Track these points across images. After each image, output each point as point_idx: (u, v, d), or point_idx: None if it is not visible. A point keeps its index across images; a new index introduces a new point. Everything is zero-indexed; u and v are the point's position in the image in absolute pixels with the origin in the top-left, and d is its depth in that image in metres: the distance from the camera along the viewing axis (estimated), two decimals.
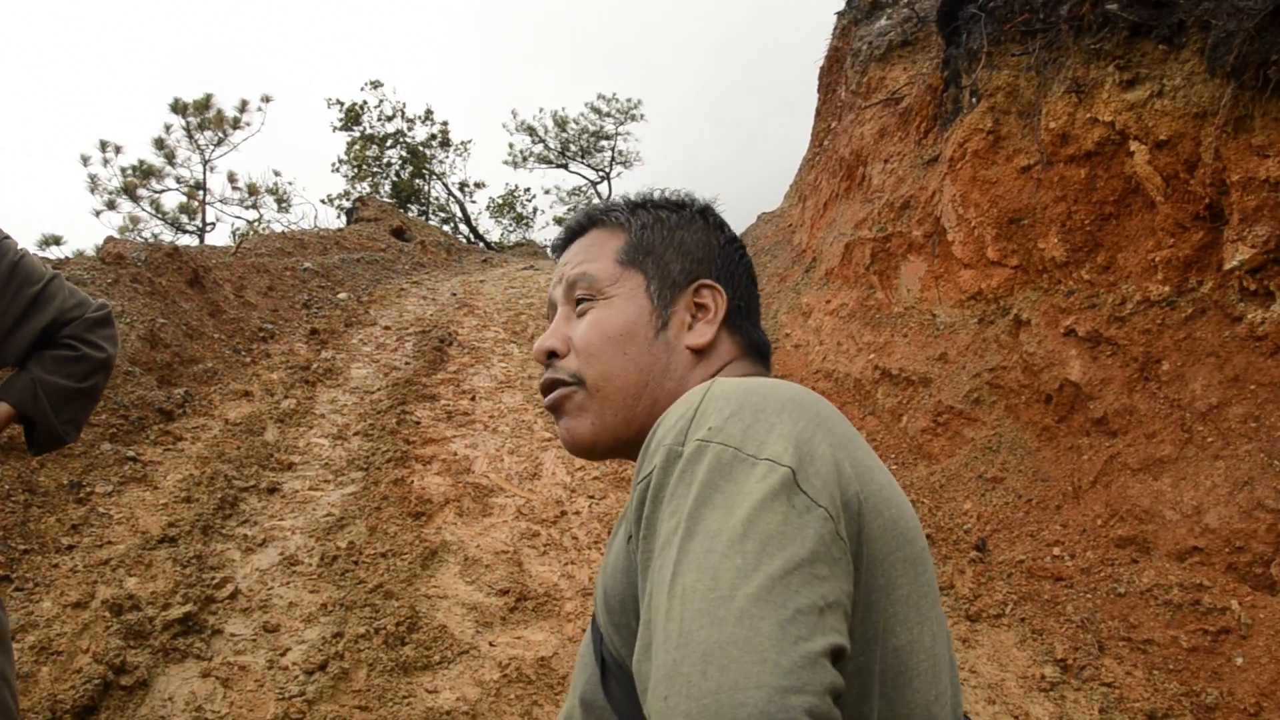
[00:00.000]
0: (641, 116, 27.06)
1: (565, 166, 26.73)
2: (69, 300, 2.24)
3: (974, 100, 5.43)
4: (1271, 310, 3.63)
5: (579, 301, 1.13)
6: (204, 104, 14.10)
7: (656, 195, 1.22)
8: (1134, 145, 4.25)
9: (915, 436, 5.21)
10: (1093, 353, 4.36)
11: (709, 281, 1.13)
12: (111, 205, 14.00)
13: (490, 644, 3.57)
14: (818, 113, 10.28)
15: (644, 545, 0.81)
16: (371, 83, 23.33)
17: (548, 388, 1.13)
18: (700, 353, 1.10)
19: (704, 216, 1.20)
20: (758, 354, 1.15)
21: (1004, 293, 5.12)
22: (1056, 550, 3.96)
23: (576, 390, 1.09)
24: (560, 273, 1.17)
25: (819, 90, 10.22)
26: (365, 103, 22.28)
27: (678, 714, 0.64)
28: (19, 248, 2.21)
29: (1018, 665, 3.54)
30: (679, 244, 1.15)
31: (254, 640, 3.47)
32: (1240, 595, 3.32)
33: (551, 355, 1.13)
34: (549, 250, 1.45)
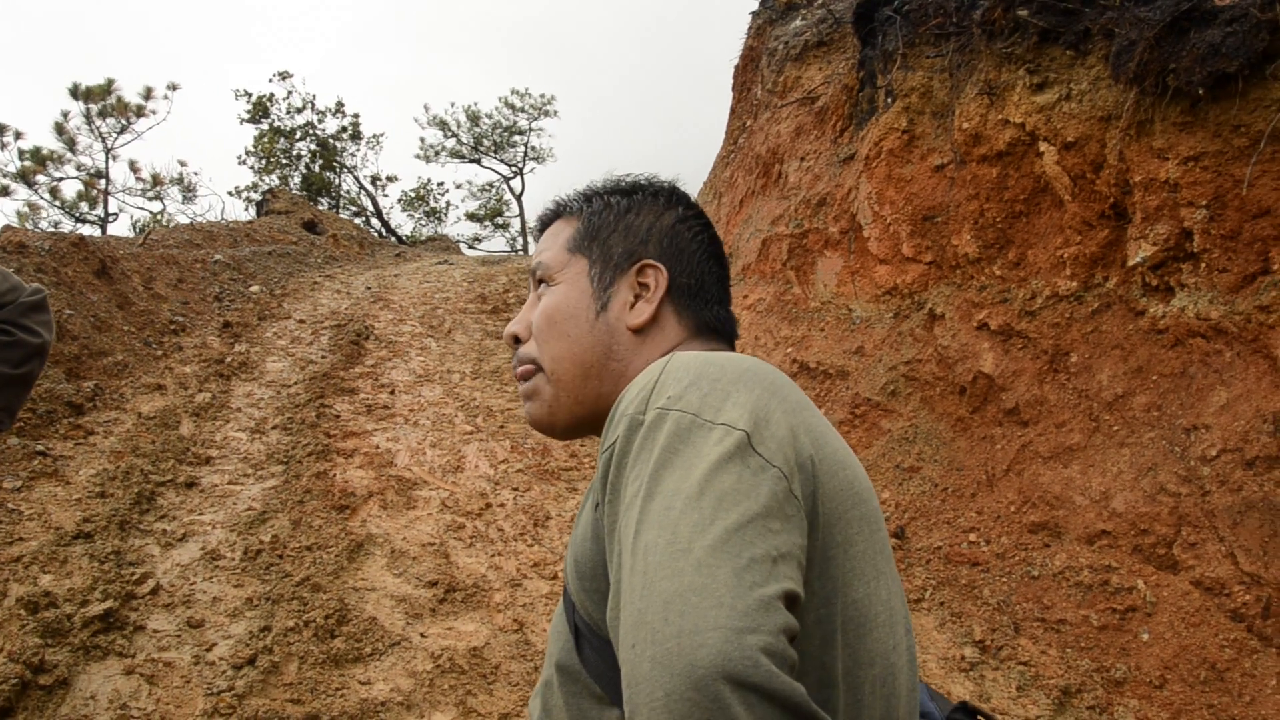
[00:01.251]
0: (555, 113, 27.01)
1: (478, 162, 26.52)
2: (2, 285, 2.18)
3: (889, 100, 5.58)
4: (1172, 305, 3.82)
5: (539, 287, 1.20)
6: (105, 89, 13.60)
7: (618, 182, 1.25)
8: (1043, 146, 4.42)
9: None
10: (1004, 345, 4.53)
11: (650, 261, 1.16)
12: (5, 191, 13.44)
13: (421, 635, 3.55)
14: (732, 110, 10.39)
15: (609, 509, 0.86)
16: (280, 74, 22.81)
17: (516, 374, 1.18)
18: (641, 332, 1.13)
19: (657, 198, 1.23)
20: (712, 333, 1.18)
21: (919, 288, 5.27)
22: (972, 536, 4.11)
23: (539, 376, 1.15)
24: (530, 262, 1.25)
25: (734, 89, 10.34)
26: (274, 94, 21.82)
27: (644, 659, 0.68)
28: None
29: (938, 647, 3.66)
30: (625, 227, 1.18)
31: (178, 636, 3.40)
32: (1145, 575, 3.49)
33: (517, 340, 1.19)
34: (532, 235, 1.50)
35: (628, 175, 1.26)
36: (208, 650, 3.33)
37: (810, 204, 6.40)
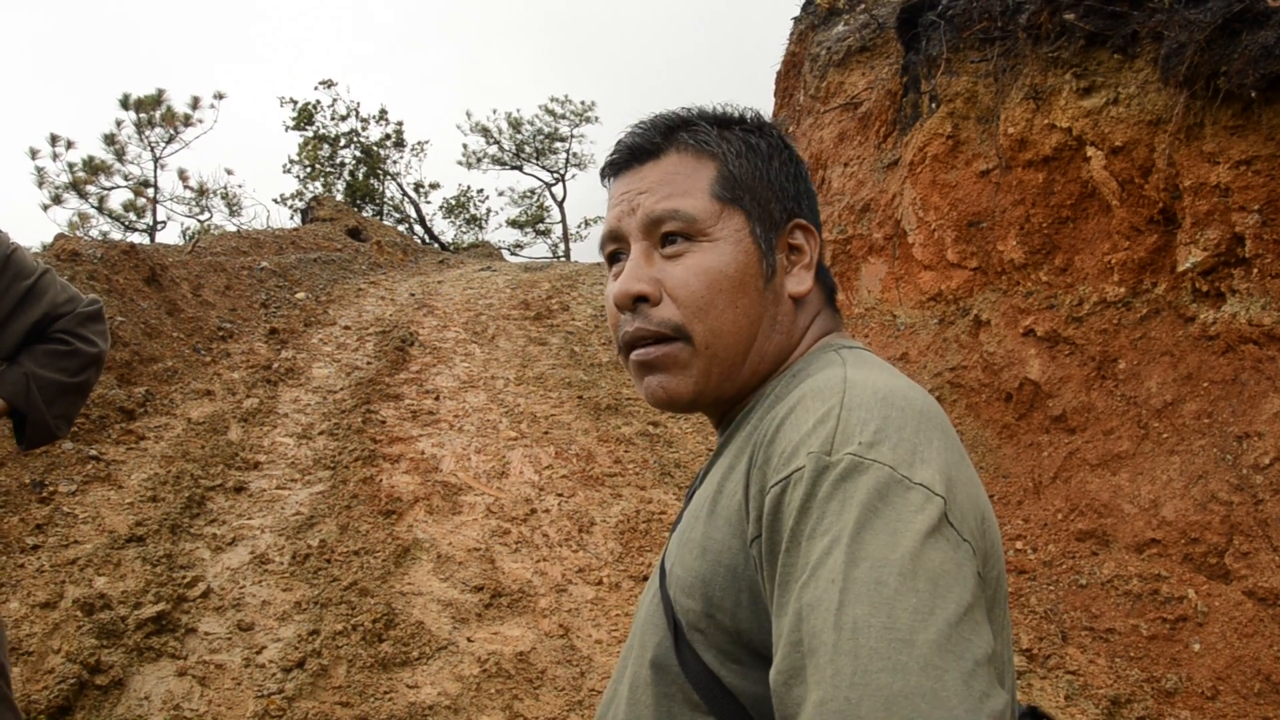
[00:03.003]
0: (596, 119, 27.09)
1: (519, 168, 26.65)
2: (61, 295, 2.23)
3: (933, 105, 5.55)
4: (1222, 310, 3.78)
5: (666, 239, 0.99)
6: (155, 100, 13.90)
7: (731, 112, 1.07)
8: (1090, 151, 4.38)
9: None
10: (1051, 352, 4.49)
11: (803, 222, 1.04)
12: (58, 200, 13.76)
13: (468, 640, 3.59)
14: (775, 116, 10.39)
15: (785, 556, 0.77)
16: (324, 82, 23.11)
17: (637, 340, 0.99)
18: (799, 301, 1.03)
19: (785, 145, 1.08)
20: (832, 298, 1.09)
21: (964, 294, 5.24)
22: (1019, 544, 4.08)
23: (680, 346, 0.97)
24: (634, 202, 1.01)
25: (776, 95, 10.33)
26: (318, 102, 22.08)
27: None
28: (10, 241, 2.20)
29: None
30: (773, 178, 1.03)
31: (229, 639, 3.46)
32: (1196, 584, 3.45)
33: (639, 300, 0.99)
34: (600, 171, 1.24)
35: (724, 104, 1.08)
36: (258, 653, 3.39)
37: (854, 210, 6.39)
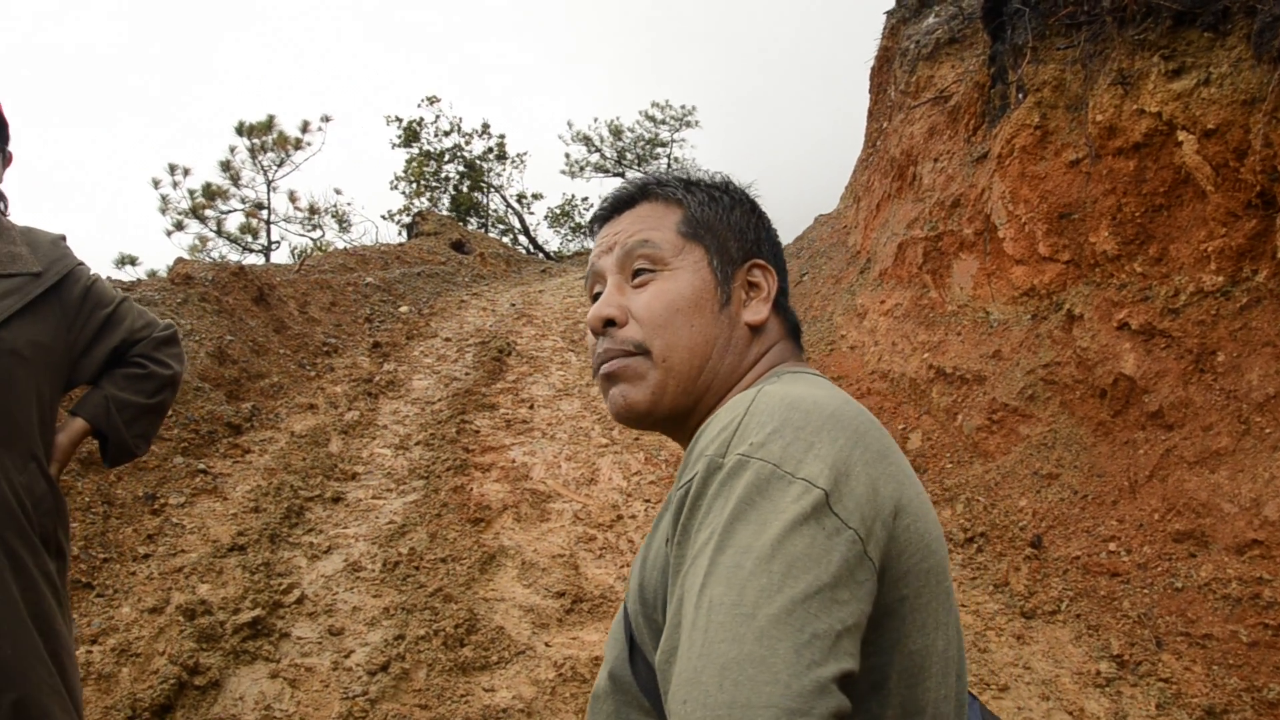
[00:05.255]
0: (696, 123, 27.13)
1: (622, 175, 26.88)
2: (138, 321, 2.37)
3: (1020, 96, 5.40)
4: None
5: (637, 273, 1.12)
6: (266, 126, 14.53)
7: (701, 176, 1.22)
8: (1182, 135, 4.21)
9: (971, 434, 5.19)
10: (1147, 345, 4.32)
11: (761, 261, 1.16)
12: (180, 226, 14.50)
13: (546, 644, 3.65)
14: (870, 113, 10.25)
15: (678, 550, 0.85)
16: (428, 99, 23.73)
17: (605, 357, 1.11)
18: (755, 330, 1.13)
19: (748, 201, 1.22)
20: (796, 334, 1.19)
21: (1056, 288, 5.08)
22: (1112, 546, 3.93)
23: (639, 359, 1.09)
24: (611, 241, 1.16)
25: (870, 90, 10.19)
26: (422, 119, 22.69)
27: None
28: (91, 273, 2.35)
29: (1073, 661, 3.52)
30: (733, 224, 1.16)
31: (319, 643, 3.60)
32: None
33: (608, 324, 1.12)
34: (590, 221, 1.41)
35: (696, 170, 1.24)
36: (346, 657, 3.51)
37: (944, 206, 6.26)
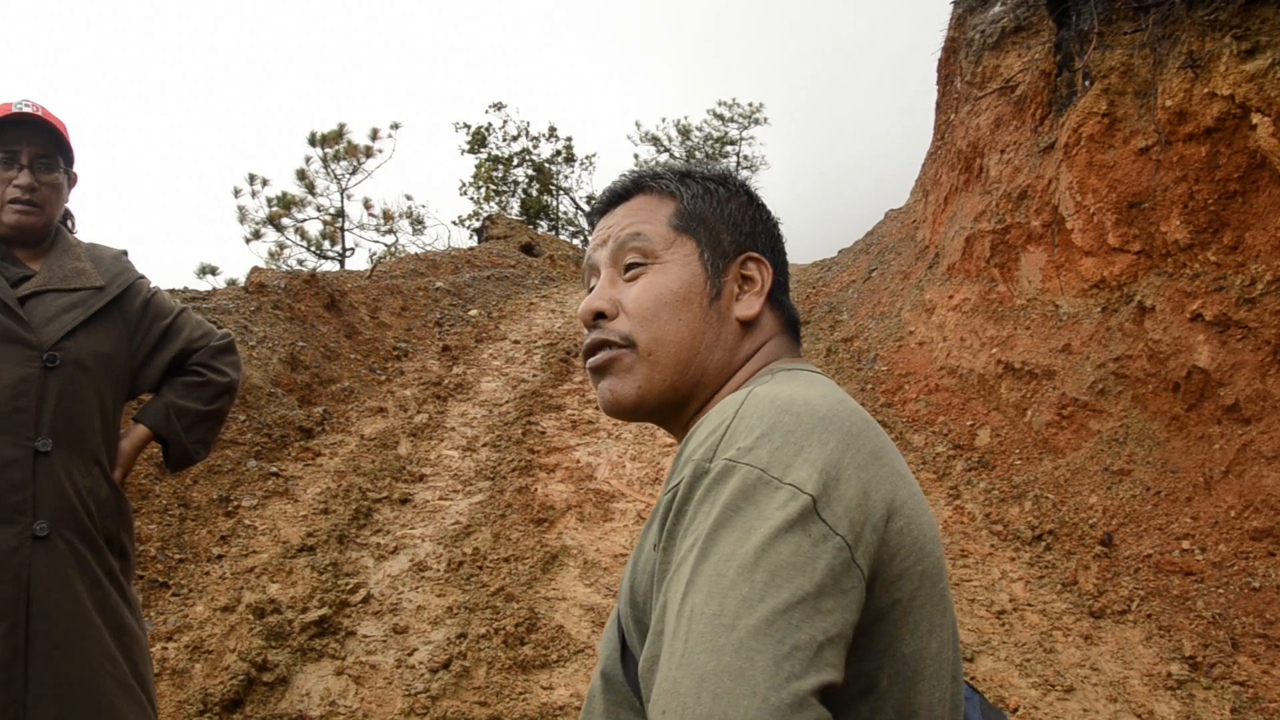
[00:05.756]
0: (765, 120, 26.96)
1: None
2: (196, 331, 2.46)
3: (1087, 83, 5.27)
4: None
5: (629, 266, 1.12)
6: (337, 135, 14.82)
7: (698, 168, 1.20)
8: (1256, 118, 4.06)
9: (1040, 430, 5.08)
10: (1222, 337, 4.18)
11: (756, 255, 1.13)
12: (257, 235, 14.88)
13: None
14: (938, 105, 10.07)
15: (663, 556, 0.85)
16: (495, 104, 24.02)
17: (593, 349, 1.11)
18: (747, 324, 1.11)
19: (746, 192, 1.19)
20: (793, 328, 1.17)
21: (1127, 279, 4.94)
22: (1186, 544, 3.82)
23: (626, 352, 1.08)
24: (605, 235, 1.16)
25: (938, 82, 10.01)
26: (490, 124, 22.93)
27: None
28: (151, 285, 2.44)
29: (1143, 663, 3.43)
30: (728, 216, 1.14)
31: (384, 641, 3.67)
32: None
33: (599, 317, 1.11)
34: (588, 215, 1.39)
35: (694, 162, 1.22)
36: (409, 655, 3.58)
37: (1011, 198, 6.13)
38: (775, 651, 0.70)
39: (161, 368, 2.40)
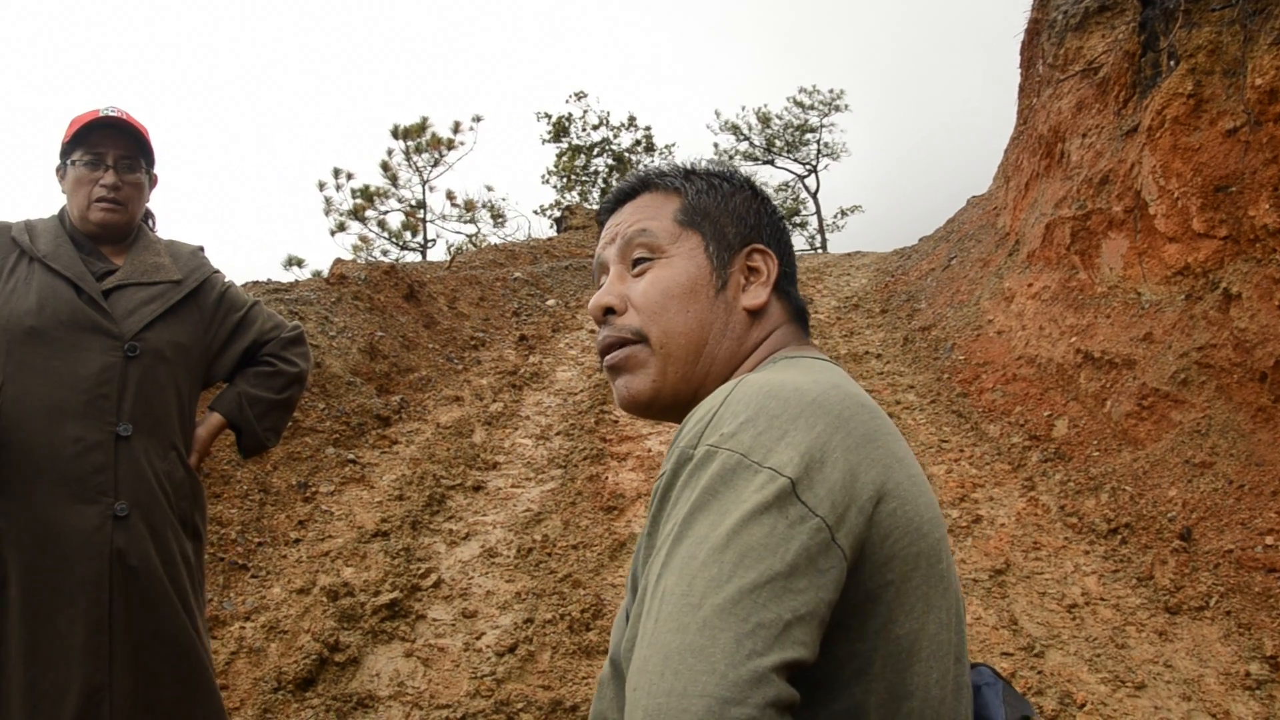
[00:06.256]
0: (846, 106, 26.62)
1: (771, 163, 26.66)
2: (267, 323, 2.57)
3: (1173, 63, 5.10)
4: None
5: (636, 262, 1.15)
6: (420, 128, 15.10)
7: (704, 165, 1.23)
8: None
9: (1119, 421, 4.95)
10: None
11: (761, 246, 1.16)
12: (342, 227, 15.26)
13: None
14: (1021, 89, 9.84)
15: (648, 541, 0.89)
16: (576, 94, 24.15)
17: (608, 347, 1.14)
18: (755, 314, 1.13)
19: (750, 187, 1.22)
20: (801, 317, 1.19)
21: (1212, 266, 4.78)
22: (1270, 539, 3.69)
23: (640, 347, 1.11)
24: (613, 232, 1.19)
25: (1021, 66, 9.78)
26: (571, 114, 23.10)
27: (638, 708, 0.73)
28: (226, 280, 2.56)
29: (1220, 661, 3.33)
30: (732, 209, 1.17)
31: (453, 625, 3.76)
32: None
33: (609, 312, 1.14)
34: (597, 214, 1.44)
35: (700, 161, 1.25)
36: (477, 639, 3.65)
37: (1092, 183, 5.97)
38: (738, 630, 0.72)
39: (235, 358, 2.51)
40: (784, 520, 0.78)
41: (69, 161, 2.32)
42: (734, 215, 1.17)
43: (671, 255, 1.13)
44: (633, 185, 1.22)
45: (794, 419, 0.86)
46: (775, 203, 1.25)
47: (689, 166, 1.22)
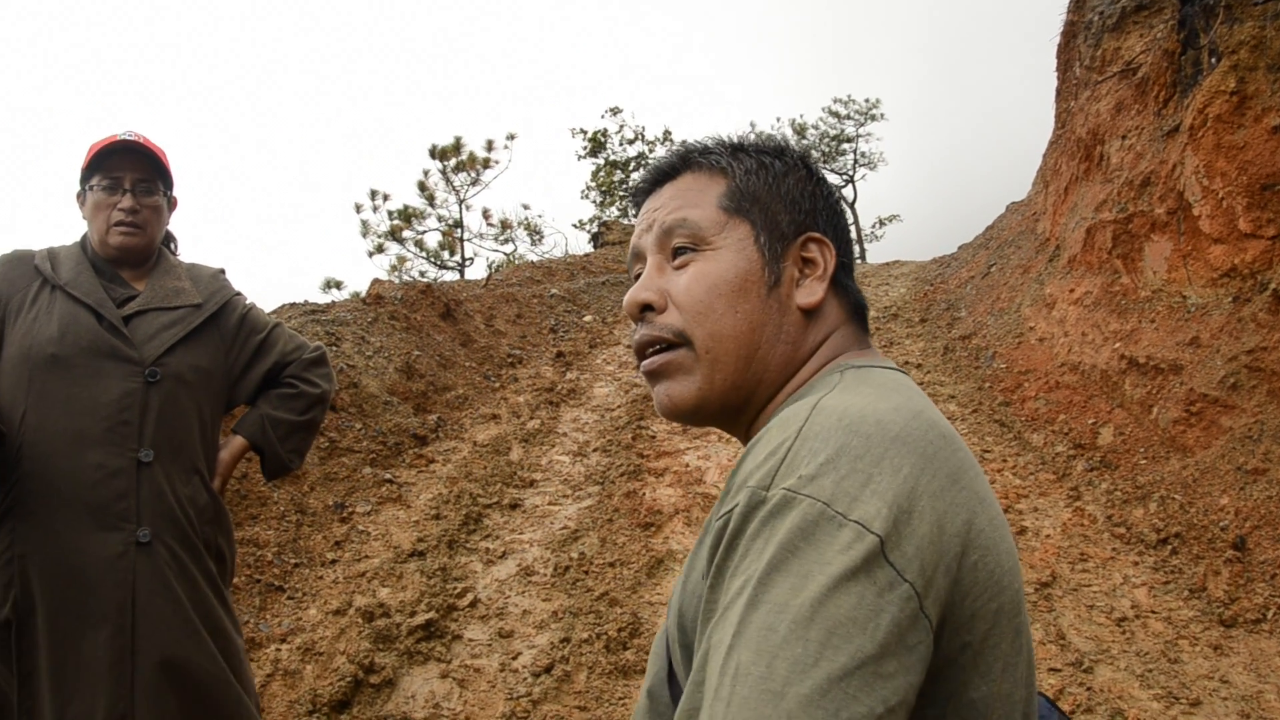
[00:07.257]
0: (882, 115, 26.49)
1: None
2: (289, 345, 2.55)
3: (1214, 60, 4.99)
4: None
5: (677, 252, 1.02)
6: (455, 147, 15.23)
7: (753, 139, 1.10)
8: None
9: (1167, 428, 4.83)
10: None
11: (817, 235, 1.03)
12: (380, 249, 15.41)
13: None
14: (1058, 92, 9.71)
15: (710, 593, 0.78)
16: (611, 110, 24.24)
17: (645, 346, 1.02)
18: (810, 313, 1.01)
19: (805, 165, 1.09)
20: (860, 314, 1.07)
21: (1261, 266, 4.66)
22: None
23: (682, 351, 0.99)
24: (650, 219, 1.06)
25: (1058, 69, 9.66)
26: (606, 130, 23.19)
27: None
28: (247, 302, 2.55)
29: (1279, 675, 3.21)
30: (785, 193, 1.04)
31: (489, 645, 3.72)
32: None
33: (646, 309, 1.02)
34: (632, 195, 1.19)
35: (750, 134, 1.11)
36: (513, 659, 3.62)
37: (1134, 185, 5.86)
38: None
39: (257, 380, 2.50)
40: (873, 588, 0.69)
41: (88, 187, 2.33)
42: (787, 200, 1.04)
43: (718, 247, 1.00)
44: (672, 163, 1.09)
45: (879, 460, 0.76)
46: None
47: (736, 141, 1.09)
